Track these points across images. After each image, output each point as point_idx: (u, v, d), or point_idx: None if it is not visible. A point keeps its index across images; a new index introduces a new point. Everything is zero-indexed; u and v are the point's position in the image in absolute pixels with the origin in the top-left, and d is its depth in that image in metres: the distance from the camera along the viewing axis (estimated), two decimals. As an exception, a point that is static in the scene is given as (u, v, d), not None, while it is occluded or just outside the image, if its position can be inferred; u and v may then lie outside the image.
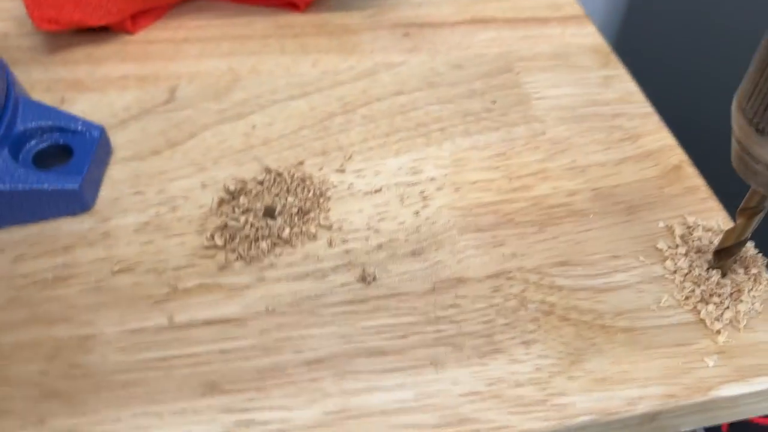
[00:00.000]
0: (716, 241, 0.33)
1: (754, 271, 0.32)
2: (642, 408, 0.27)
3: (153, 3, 0.44)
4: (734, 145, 0.26)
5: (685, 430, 0.30)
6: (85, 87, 0.41)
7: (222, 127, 0.39)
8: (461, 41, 0.45)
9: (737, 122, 0.26)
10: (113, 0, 0.42)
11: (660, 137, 0.39)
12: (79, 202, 0.33)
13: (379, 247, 0.33)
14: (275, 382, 0.28)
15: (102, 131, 0.36)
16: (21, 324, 0.30)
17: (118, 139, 0.38)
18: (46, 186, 0.32)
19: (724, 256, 0.31)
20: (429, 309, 0.30)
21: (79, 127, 0.35)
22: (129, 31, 0.44)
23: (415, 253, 0.33)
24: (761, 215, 0.29)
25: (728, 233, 0.31)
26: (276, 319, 0.30)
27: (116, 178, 0.36)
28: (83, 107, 0.39)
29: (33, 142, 0.35)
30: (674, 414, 0.28)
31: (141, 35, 0.44)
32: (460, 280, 0.32)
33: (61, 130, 0.35)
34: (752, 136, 0.25)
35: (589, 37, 0.46)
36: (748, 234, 0.30)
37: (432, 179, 0.36)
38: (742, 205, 0.29)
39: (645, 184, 0.36)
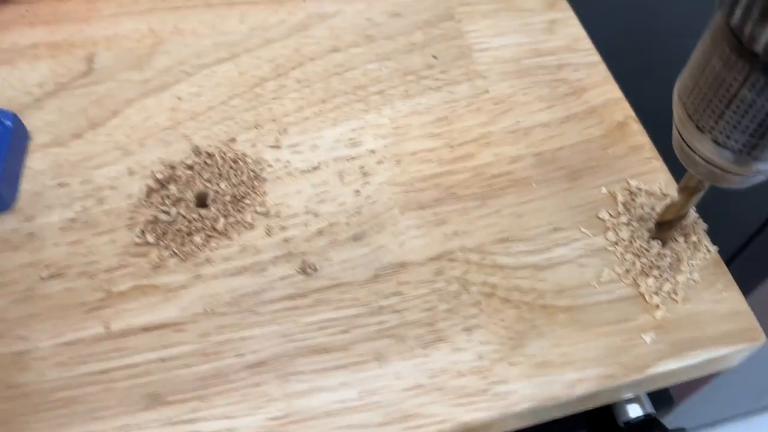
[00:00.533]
0: (658, 207, 0.33)
1: (693, 238, 0.32)
2: (580, 391, 0.28)
3: (57, -47, 0.40)
4: (675, 132, 0.26)
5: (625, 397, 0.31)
6: (-9, 60, 0.37)
7: (146, 101, 0.36)
8: (400, -16, 0.42)
9: (678, 113, 0.25)
10: (10, -45, 0.38)
11: (605, 90, 0.38)
12: (-2, 202, 0.32)
13: (320, 233, 0.32)
14: (218, 389, 0.28)
15: (15, 118, 0.33)
16: (-50, 342, 0.29)
17: (34, 121, 0.35)
18: (-43, 191, 0.30)
19: (665, 227, 0.31)
20: (371, 299, 0.30)
21: (-13, 117, 0.33)
22: (34, -12, 0.40)
23: (356, 238, 0.32)
24: (701, 193, 0.29)
25: (669, 208, 0.30)
26: (215, 321, 0.29)
27: (37, 168, 0.34)
28: (-9, 85, 0.36)
29: (-62, 137, 0.32)
30: (612, 391, 0.29)
31: (48, -9, 0.40)
32: (402, 265, 0.31)
33: (-32, 121, 0.33)
34: (692, 130, 0.24)
35: (535, -27, 0.43)
36: (688, 209, 0.30)
37: (372, 152, 0.35)
38: (682, 183, 0.29)
39: (589, 145, 0.35)
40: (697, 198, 0.29)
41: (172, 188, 0.32)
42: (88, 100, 0.36)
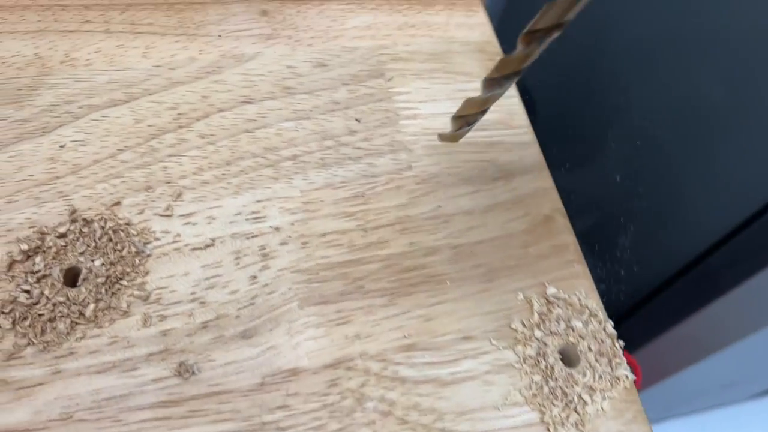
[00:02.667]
0: (576, 321, 0.31)
1: (619, 372, 0.30)
2: None
3: (-68, -50, 0.34)
4: None
5: None
6: None
7: (22, 146, 0.31)
8: (330, 27, 0.38)
9: None
10: None
11: (536, 177, 0.35)
12: None
13: (204, 326, 0.29)
14: None
15: None
16: None
17: None
18: None
19: (460, 122, 0.27)
20: (254, 413, 0.27)
21: None
22: None
23: (246, 335, 0.29)
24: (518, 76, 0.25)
25: (470, 101, 0.26)
26: (72, 429, 0.26)
27: None
28: None
29: None
30: None
31: None
32: (294, 372, 0.28)
33: None
34: None
35: (477, 29, 0.40)
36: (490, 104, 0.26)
37: (276, 229, 0.31)
38: (495, 70, 0.24)
39: (510, 241, 0.33)
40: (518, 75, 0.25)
41: (39, 261, 0.28)
42: (-49, 139, 0.31)
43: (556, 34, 0.23)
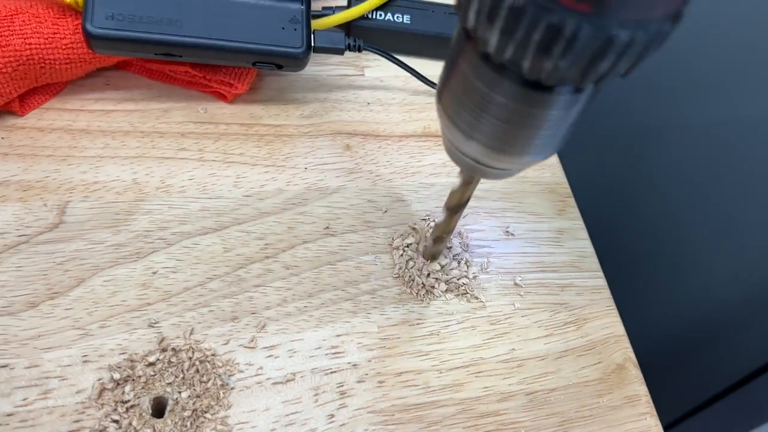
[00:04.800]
0: (649, 481, 0.30)
1: None
2: None
3: (47, 79, 0.37)
4: (444, 137, 0.26)
5: None
6: (-47, 194, 0.34)
7: (116, 271, 0.33)
8: (408, 163, 0.40)
9: (445, 125, 0.24)
10: (-3, 82, 0.34)
11: (607, 323, 0.36)
12: (-75, 389, 0.28)
13: (283, 467, 0.29)
14: None
15: (-37, 284, 0.30)
16: None
17: (-14, 279, 0.32)
18: None
19: (437, 242, 0.34)
20: None
21: (-67, 282, 0.29)
22: (16, 113, 0.37)
23: (322, 478, 0.29)
24: (462, 210, 0.31)
25: (437, 225, 0.33)
26: None
27: (-22, 342, 0.30)
28: (-53, 226, 0.33)
29: None
30: None
31: (32, 117, 0.37)
32: None
33: None
34: (454, 131, 0.24)
35: (548, 170, 0.41)
36: (454, 226, 0.32)
37: (354, 366, 0.32)
38: (446, 203, 0.31)
39: (584, 390, 0.33)
40: (458, 217, 0.31)
41: (128, 391, 0.29)
42: (52, 262, 0.33)
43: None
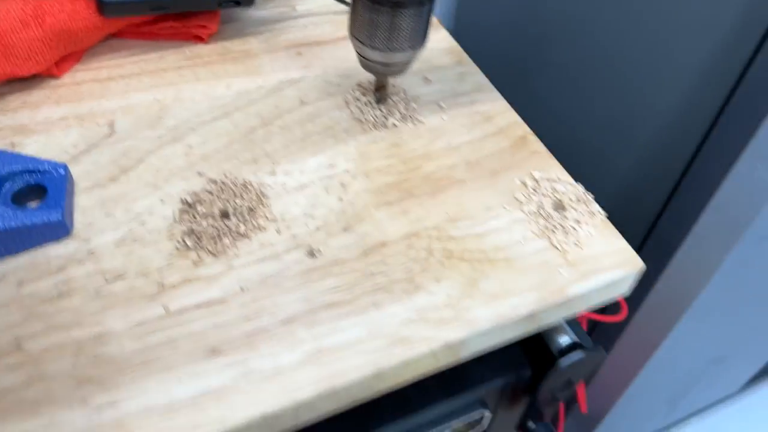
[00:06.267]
0: (557, 186, 0.46)
1: (593, 208, 0.45)
2: (522, 311, 0.39)
3: (73, 47, 0.50)
4: (358, 58, 0.46)
5: (550, 322, 0.43)
6: (30, 131, 0.46)
7: (163, 150, 0.46)
8: (345, 55, 0.55)
9: (357, 47, 0.45)
10: (40, 51, 0.47)
11: (508, 116, 0.51)
12: (63, 229, 0.40)
13: (317, 229, 0.42)
14: (261, 338, 0.37)
15: (66, 168, 0.42)
16: (41, 334, 0.36)
17: (75, 172, 0.44)
18: (35, 221, 0.39)
19: (380, 90, 0.51)
20: (364, 268, 0.41)
21: (46, 167, 0.42)
22: (55, 75, 0.50)
23: (346, 229, 0.43)
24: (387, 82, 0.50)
25: (375, 82, 0.51)
26: (250, 295, 0.39)
27: (84, 205, 0.42)
28: (34, 149, 0.45)
29: (7, 185, 0.41)
30: (543, 311, 0.40)
31: (67, 78, 0.50)
32: (383, 244, 0.42)
33: (30, 171, 0.41)
34: (367, 50, 0.44)
35: (444, 41, 0.57)
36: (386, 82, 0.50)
37: (346, 171, 0.46)
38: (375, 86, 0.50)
39: (501, 153, 0.48)
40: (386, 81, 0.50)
41: (200, 208, 0.42)
42: (117, 153, 0.45)
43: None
